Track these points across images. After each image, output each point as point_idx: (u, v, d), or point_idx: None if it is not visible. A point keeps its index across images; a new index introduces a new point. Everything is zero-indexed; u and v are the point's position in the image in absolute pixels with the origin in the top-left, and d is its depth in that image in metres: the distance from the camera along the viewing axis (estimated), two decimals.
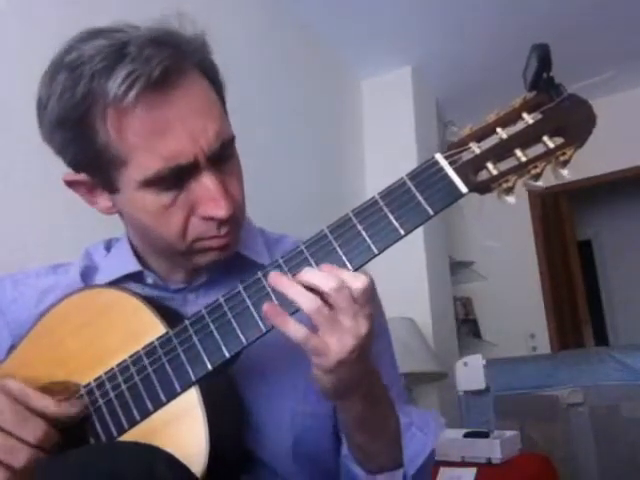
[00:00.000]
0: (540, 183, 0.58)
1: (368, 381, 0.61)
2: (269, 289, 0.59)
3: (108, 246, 0.81)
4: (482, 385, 2.11)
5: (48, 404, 0.58)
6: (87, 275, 0.77)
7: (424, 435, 0.70)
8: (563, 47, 2.91)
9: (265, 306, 0.56)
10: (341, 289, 0.54)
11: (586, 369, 2.13)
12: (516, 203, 0.58)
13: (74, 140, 0.62)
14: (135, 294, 0.66)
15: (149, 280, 0.73)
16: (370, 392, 0.62)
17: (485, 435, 1.70)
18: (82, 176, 0.66)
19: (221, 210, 0.62)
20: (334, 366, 0.55)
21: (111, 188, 0.65)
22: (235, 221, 0.66)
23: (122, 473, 0.49)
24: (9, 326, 0.74)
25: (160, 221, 0.64)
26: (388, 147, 2.89)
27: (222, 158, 0.64)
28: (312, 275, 0.55)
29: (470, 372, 2.16)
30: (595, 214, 4.71)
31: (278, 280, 0.56)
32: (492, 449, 1.69)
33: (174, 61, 0.60)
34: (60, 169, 0.68)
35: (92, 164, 0.64)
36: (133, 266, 0.73)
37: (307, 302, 0.54)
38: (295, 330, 0.55)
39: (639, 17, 2.68)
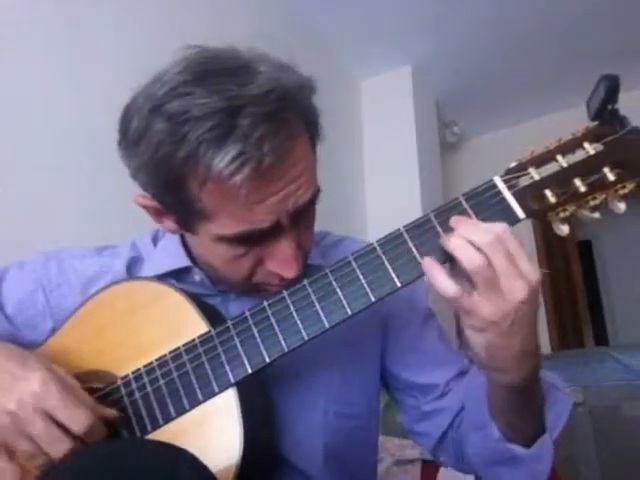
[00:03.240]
0: (597, 215, 0.57)
1: (525, 352, 0.56)
2: (313, 297, 0.59)
3: (155, 239, 0.81)
4: None
5: (93, 404, 0.57)
6: (133, 266, 0.77)
7: (563, 398, 0.67)
8: (563, 47, 2.93)
9: (425, 260, 0.55)
10: (498, 245, 0.52)
11: (586, 369, 2.12)
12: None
13: (161, 187, 0.61)
14: (180, 290, 0.66)
15: (197, 277, 0.73)
16: (526, 365, 0.57)
17: None
18: (157, 204, 0.65)
19: (291, 273, 0.63)
20: (486, 326, 0.53)
21: (186, 229, 0.65)
22: (301, 272, 0.65)
23: (144, 473, 0.48)
24: (52, 310, 0.74)
25: (228, 266, 0.65)
26: (388, 147, 2.89)
27: (303, 214, 0.64)
28: (468, 228, 0.54)
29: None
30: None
31: (457, 222, 0.55)
32: None
33: (284, 142, 0.57)
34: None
35: (173, 206, 0.63)
36: (183, 261, 0.73)
37: (469, 257, 0.52)
38: (447, 287, 0.53)
39: None
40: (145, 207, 0.67)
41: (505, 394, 0.61)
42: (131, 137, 0.60)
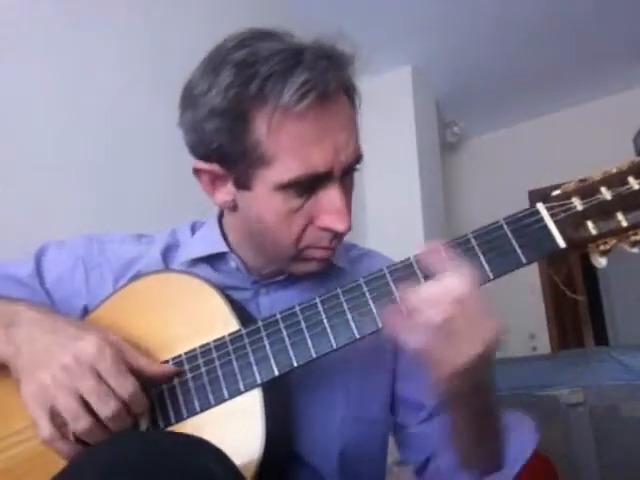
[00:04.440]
0: (636, 250, 0.58)
1: (485, 387, 0.60)
2: (345, 307, 0.60)
3: (193, 228, 0.82)
4: None
5: (145, 362, 0.60)
6: (168, 251, 0.78)
7: (522, 439, 0.70)
8: (563, 47, 2.92)
9: (386, 316, 0.56)
10: (459, 300, 0.53)
11: (586, 369, 2.12)
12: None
13: (227, 131, 0.63)
14: (214, 285, 0.66)
15: (232, 264, 0.74)
16: (485, 393, 0.61)
17: None
18: (214, 166, 0.67)
19: (342, 224, 0.65)
20: (450, 376, 0.54)
21: (243, 184, 0.66)
22: (346, 234, 0.68)
23: (173, 465, 0.48)
24: (88, 288, 0.76)
25: (282, 224, 0.66)
26: (388, 147, 2.89)
27: (350, 172, 0.68)
28: (430, 290, 0.54)
29: None
30: None
31: (405, 295, 0.56)
32: None
33: (343, 78, 0.64)
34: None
35: (234, 158, 0.65)
36: (220, 247, 0.74)
37: (437, 313, 0.52)
38: (416, 341, 0.54)
39: None
40: (201, 174, 0.69)
41: (463, 419, 0.63)
42: (197, 92, 0.64)
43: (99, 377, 0.56)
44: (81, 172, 1.41)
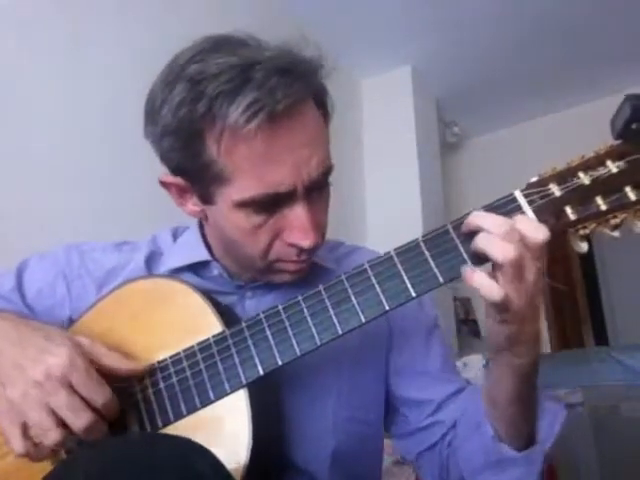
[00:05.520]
0: (616, 234, 0.57)
1: (537, 333, 0.60)
2: (328, 303, 0.60)
3: (175, 234, 0.82)
4: None
5: (117, 359, 0.60)
6: (152, 260, 0.78)
7: (557, 407, 0.68)
8: (563, 47, 2.92)
9: (466, 271, 0.55)
10: (514, 232, 0.53)
11: (586, 369, 2.13)
12: None
13: (182, 149, 0.63)
14: (197, 289, 0.66)
15: (215, 271, 0.74)
16: (534, 351, 0.60)
17: None
18: (179, 180, 0.67)
19: (307, 241, 0.64)
20: (515, 318, 0.55)
21: (206, 199, 0.66)
22: (315, 249, 0.67)
23: (160, 465, 0.49)
24: (71, 300, 0.76)
25: (247, 239, 0.66)
26: (388, 147, 2.89)
27: (318, 187, 0.65)
28: (491, 222, 0.54)
29: (470, 372, 2.16)
30: None
31: (479, 221, 0.55)
32: None
33: (296, 94, 0.60)
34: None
35: (194, 174, 0.65)
36: (203, 255, 0.74)
37: (504, 251, 0.52)
38: (495, 292, 0.53)
39: None
40: (168, 186, 0.69)
41: (513, 383, 0.62)
42: (154, 106, 0.64)
43: (72, 389, 0.56)
44: (81, 173, 1.41)
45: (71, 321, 0.72)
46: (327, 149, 0.66)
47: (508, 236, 0.53)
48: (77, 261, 0.78)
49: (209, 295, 0.67)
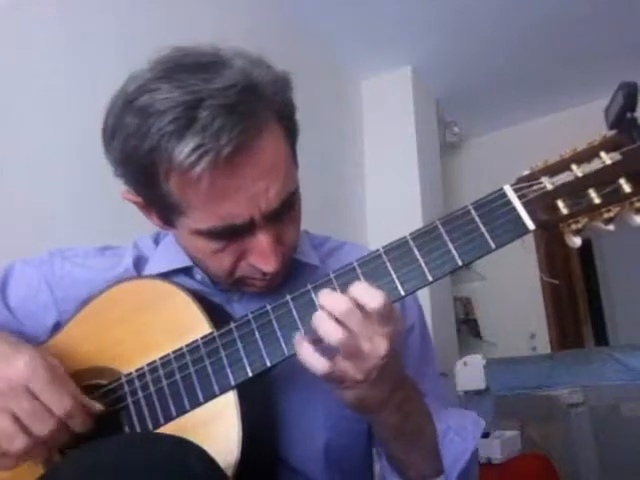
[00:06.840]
0: (611, 227, 0.55)
1: (396, 396, 0.59)
2: (317, 302, 0.58)
3: (156, 239, 0.82)
4: (482, 385, 2.11)
5: (78, 393, 0.59)
6: (138, 264, 0.78)
7: (462, 440, 0.68)
8: (563, 47, 2.92)
9: (296, 340, 0.56)
10: (353, 312, 0.52)
11: (586, 369, 2.13)
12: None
13: (137, 179, 0.63)
14: (185, 289, 0.66)
15: (198, 277, 0.74)
16: (401, 406, 0.61)
17: (485, 435, 1.71)
18: (139, 199, 0.67)
19: (269, 267, 0.63)
20: (354, 385, 0.55)
21: (167, 222, 0.67)
22: (279, 272, 0.66)
23: (155, 464, 0.48)
24: (57, 303, 0.75)
25: (210, 260, 0.66)
26: (388, 147, 2.89)
27: (281, 212, 0.63)
28: (326, 299, 0.54)
29: (470, 372, 2.16)
30: None
31: (319, 298, 0.55)
32: (492, 449, 1.69)
33: (245, 132, 0.57)
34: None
35: (152, 201, 0.65)
36: (184, 261, 0.74)
37: (329, 332, 0.53)
38: (316, 365, 0.53)
39: None
40: (132, 202, 0.69)
41: (380, 431, 0.64)
42: (107, 133, 0.63)
43: (34, 397, 0.56)
44: (81, 173, 1.41)
45: (59, 325, 0.72)
46: (288, 176, 0.64)
47: (343, 315, 0.52)
48: (59, 264, 0.77)
49: (199, 295, 0.66)
